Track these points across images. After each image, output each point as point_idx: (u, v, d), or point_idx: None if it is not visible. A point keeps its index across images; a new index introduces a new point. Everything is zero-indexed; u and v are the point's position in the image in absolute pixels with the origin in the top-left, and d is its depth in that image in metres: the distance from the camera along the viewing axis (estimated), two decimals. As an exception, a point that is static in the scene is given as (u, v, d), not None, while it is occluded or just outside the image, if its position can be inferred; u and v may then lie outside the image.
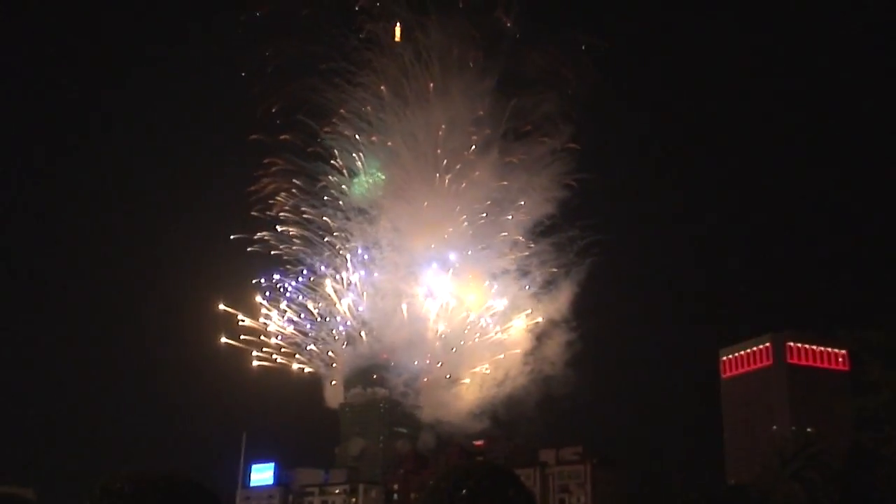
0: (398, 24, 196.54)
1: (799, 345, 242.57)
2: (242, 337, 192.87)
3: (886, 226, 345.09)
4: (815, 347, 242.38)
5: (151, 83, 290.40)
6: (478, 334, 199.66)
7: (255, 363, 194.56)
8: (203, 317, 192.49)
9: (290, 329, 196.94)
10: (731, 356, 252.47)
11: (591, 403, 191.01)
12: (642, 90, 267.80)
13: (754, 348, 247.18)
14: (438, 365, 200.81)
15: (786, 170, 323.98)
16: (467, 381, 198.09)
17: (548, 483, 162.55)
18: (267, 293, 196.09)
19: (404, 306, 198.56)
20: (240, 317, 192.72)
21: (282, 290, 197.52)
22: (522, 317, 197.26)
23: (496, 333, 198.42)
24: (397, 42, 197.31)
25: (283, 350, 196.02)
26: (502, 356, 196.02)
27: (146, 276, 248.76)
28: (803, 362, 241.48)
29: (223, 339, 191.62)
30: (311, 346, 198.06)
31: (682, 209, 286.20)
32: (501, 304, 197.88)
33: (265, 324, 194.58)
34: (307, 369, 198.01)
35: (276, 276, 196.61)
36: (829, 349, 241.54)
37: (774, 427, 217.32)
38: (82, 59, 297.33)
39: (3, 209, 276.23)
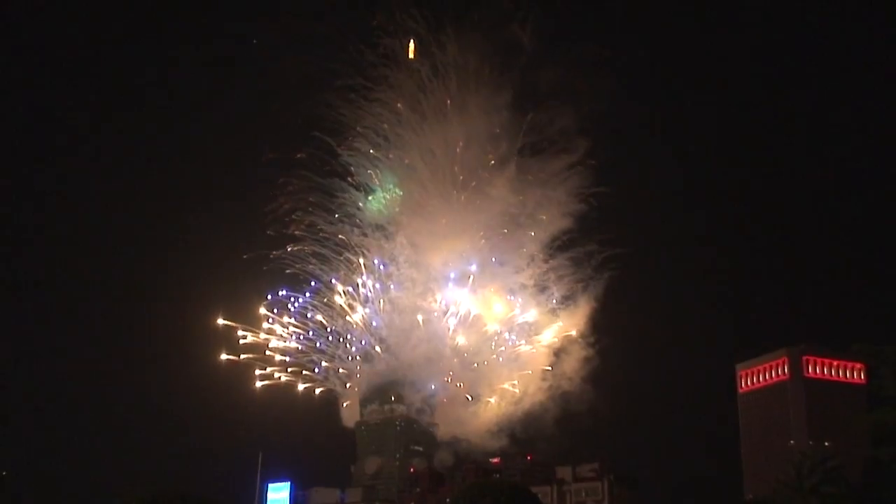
0: (412, 40, 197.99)
1: (815, 358, 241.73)
2: (244, 356, 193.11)
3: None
4: (831, 360, 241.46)
5: (164, 96, 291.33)
6: (502, 348, 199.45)
7: (259, 383, 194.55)
8: (214, 333, 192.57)
9: (298, 345, 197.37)
10: (747, 370, 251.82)
11: (609, 419, 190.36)
12: (660, 103, 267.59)
13: (771, 362, 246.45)
14: (458, 385, 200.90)
15: (803, 183, 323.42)
16: (492, 399, 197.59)
17: (565, 500, 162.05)
18: (274, 310, 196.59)
19: (421, 322, 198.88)
20: (241, 332, 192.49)
21: (294, 306, 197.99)
22: (552, 330, 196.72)
23: (519, 347, 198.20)
24: (412, 59, 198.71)
25: (290, 369, 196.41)
26: (530, 372, 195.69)
27: (152, 295, 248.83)
28: (820, 376, 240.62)
29: (224, 356, 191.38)
30: (325, 364, 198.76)
31: (700, 222, 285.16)
32: (531, 315, 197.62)
33: (268, 339, 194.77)
34: (318, 390, 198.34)
35: (287, 293, 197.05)
36: (846, 362, 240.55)
37: (791, 441, 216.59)
38: (95, 69, 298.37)
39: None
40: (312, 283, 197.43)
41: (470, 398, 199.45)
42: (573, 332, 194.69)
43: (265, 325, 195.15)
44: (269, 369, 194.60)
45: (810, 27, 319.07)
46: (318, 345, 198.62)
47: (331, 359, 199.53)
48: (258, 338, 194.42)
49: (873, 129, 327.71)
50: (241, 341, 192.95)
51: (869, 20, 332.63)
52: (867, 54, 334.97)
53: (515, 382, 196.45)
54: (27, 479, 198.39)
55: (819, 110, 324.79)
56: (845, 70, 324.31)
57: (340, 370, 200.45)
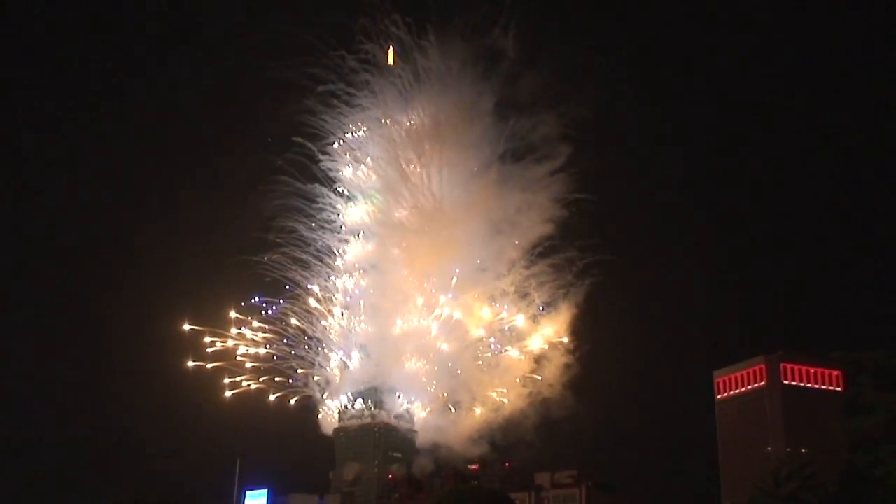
0: (391, 47, 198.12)
1: (793, 365, 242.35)
2: (212, 364, 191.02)
3: (881, 247, 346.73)
4: (809, 368, 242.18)
5: (143, 98, 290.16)
6: (487, 354, 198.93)
7: (229, 392, 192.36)
8: (181, 339, 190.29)
9: (273, 352, 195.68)
10: (725, 377, 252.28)
11: (589, 426, 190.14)
12: (642, 108, 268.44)
13: (748, 369, 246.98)
14: (441, 395, 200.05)
15: (780, 189, 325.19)
16: (475, 407, 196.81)
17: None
18: (248, 316, 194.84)
19: (401, 328, 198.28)
20: (208, 339, 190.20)
21: (268, 312, 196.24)
22: (533, 337, 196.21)
23: (500, 353, 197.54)
24: (392, 65, 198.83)
25: (261, 378, 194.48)
26: (517, 380, 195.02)
27: (118, 297, 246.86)
28: (797, 382, 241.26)
29: (191, 363, 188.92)
30: (302, 370, 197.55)
31: (678, 231, 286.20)
32: (512, 322, 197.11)
33: (237, 345, 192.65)
34: (293, 399, 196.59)
35: (261, 299, 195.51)
36: (824, 369, 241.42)
37: (769, 448, 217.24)
38: (68, 69, 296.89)
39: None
40: (289, 289, 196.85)
41: (450, 405, 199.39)
42: (554, 339, 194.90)
43: (234, 330, 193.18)
44: (238, 378, 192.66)
45: (804, 28, 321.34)
46: (293, 352, 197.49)
47: (309, 365, 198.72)
48: (226, 344, 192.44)
49: (868, 132, 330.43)
50: (209, 349, 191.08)
51: (870, 20, 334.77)
52: (864, 55, 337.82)
53: (501, 390, 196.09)
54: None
55: (812, 116, 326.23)
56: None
57: (317, 377, 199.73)
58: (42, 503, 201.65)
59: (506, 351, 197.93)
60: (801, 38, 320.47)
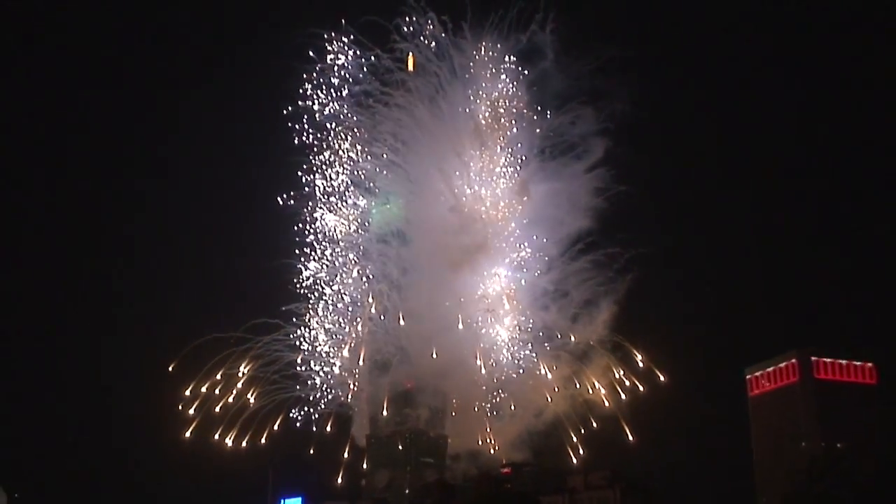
0: (410, 53, 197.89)
1: (825, 360, 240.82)
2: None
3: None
4: (841, 361, 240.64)
5: (179, 102, 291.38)
6: (526, 353, 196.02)
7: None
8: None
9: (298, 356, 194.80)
10: (757, 374, 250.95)
11: (629, 427, 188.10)
12: (681, 103, 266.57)
13: (780, 365, 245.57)
14: (479, 401, 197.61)
15: (811, 184, 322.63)
16: (511, 408, 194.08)
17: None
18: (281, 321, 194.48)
19: (438, 330, 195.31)
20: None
21: (310, 313, 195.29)
22: (574, 336, 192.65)
23: (540, 354, 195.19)
24: (412, 71, 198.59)
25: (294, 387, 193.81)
26: (553, 383, 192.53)
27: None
28: (830, 377, 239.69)
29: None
30: (334, 374, 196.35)
31: (710, 225, 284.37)
32: (551, 321, 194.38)
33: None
34: (321, 406, 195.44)
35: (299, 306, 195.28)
36: (856, 362, 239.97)
37: (803, 444, 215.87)
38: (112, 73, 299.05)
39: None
40: (323, 289, 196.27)
41: (488, 408, 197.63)
42: (594, 339, 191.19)
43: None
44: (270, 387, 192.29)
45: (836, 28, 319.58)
46: (323, 354, 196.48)
47: (342, 371, 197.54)
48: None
49: (883, 130, 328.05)
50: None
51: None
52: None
53: (540, 393, 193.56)
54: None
55: (856, 104, 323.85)
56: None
57: (352, 384, 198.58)
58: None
59: (541, 353, 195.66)
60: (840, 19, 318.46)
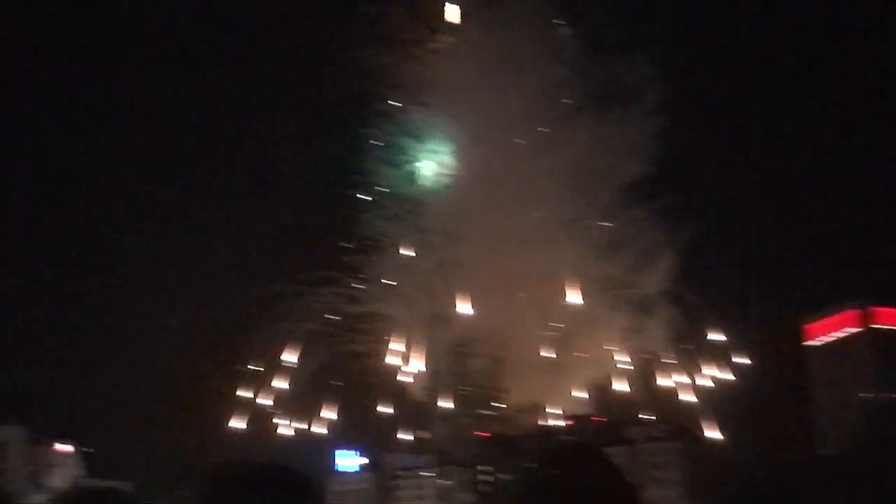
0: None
1: (885, 308, 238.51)
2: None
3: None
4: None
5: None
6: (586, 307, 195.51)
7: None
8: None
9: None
10: (816, 322, 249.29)
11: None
12: (737, 47, 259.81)
13: (840, 313, 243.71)
14: (543, 351, 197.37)
15: (871, 140, 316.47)
16: (573, 361, 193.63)
17: (636, 460, 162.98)
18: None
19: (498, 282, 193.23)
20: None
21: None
22: (635, 287, 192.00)
23: (601, 307, 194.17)
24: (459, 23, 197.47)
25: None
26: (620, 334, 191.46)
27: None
28: (891, 324, 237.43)
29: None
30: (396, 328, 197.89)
31: (774, 177, 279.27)
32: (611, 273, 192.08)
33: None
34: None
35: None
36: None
37: (862, 394, 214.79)
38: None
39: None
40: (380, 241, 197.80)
41: (550, 359, 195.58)
42: (655, 290, 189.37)
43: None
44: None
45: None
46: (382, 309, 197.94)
47: (401, 322, 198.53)
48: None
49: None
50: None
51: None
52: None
53: (603, 346, 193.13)
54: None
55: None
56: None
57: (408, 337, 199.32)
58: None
59: (606, 303, 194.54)
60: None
